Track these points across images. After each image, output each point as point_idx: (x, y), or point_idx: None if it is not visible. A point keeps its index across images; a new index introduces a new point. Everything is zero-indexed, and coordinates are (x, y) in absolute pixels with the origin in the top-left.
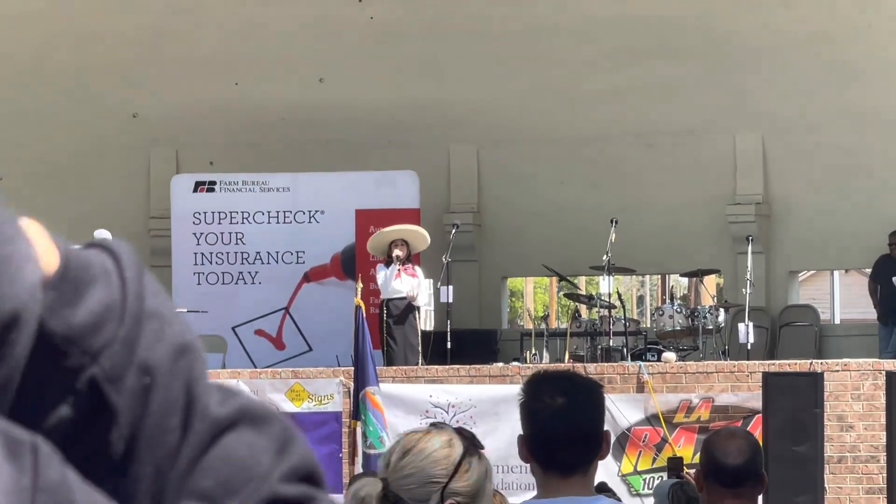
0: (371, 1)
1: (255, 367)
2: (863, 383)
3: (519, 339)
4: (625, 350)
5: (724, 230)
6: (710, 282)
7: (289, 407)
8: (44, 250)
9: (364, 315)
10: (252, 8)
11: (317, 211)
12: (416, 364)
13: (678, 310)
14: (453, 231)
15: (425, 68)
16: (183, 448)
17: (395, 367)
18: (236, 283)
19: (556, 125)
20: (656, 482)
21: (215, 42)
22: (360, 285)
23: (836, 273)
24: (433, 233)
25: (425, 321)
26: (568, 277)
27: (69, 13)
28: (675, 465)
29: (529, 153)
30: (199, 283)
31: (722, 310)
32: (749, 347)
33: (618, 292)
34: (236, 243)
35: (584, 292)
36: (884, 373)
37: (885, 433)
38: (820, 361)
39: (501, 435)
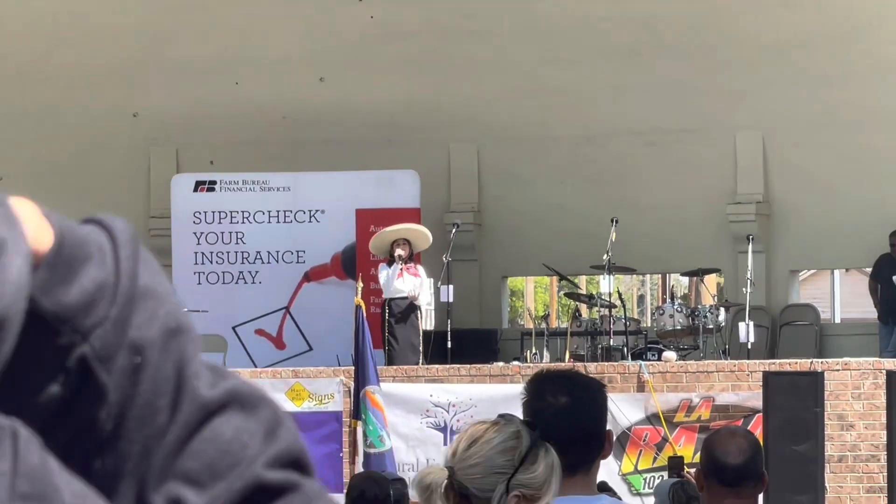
0: (371, 0)
1: (256, 366)
2: (863, 382)
3: (519, 338)
4: (625, 349)
5: (724, 229)
6: (711, 281)
7: (289, 406)
8: (36, 229)
9: (364, 314)
10: (252, 8)
11: (317, 210)
12: (417, 364)
13: (678, 309)
14: (453, 230)
15: (425, 68)
16: (171, 429)
17: (395, 367)
18: (237, 283)
19: (556, 125)
20: (657, 481)
21: (215, 42)
22: (361, 285)
23: (836, 272)
24: (434, 232)
25: (426, 320)
26: (568, 277)
27: (70, 13)
28: (675, 464)
29: (529, 153)
30: (199, 283)
31: (722, 309)
32: (749, 347)
33: (618, 291)
34: (236, 243)
35: (584, 292)
36: (884, 372)
37: (885, 432)
38: (820, 361)
39: None
